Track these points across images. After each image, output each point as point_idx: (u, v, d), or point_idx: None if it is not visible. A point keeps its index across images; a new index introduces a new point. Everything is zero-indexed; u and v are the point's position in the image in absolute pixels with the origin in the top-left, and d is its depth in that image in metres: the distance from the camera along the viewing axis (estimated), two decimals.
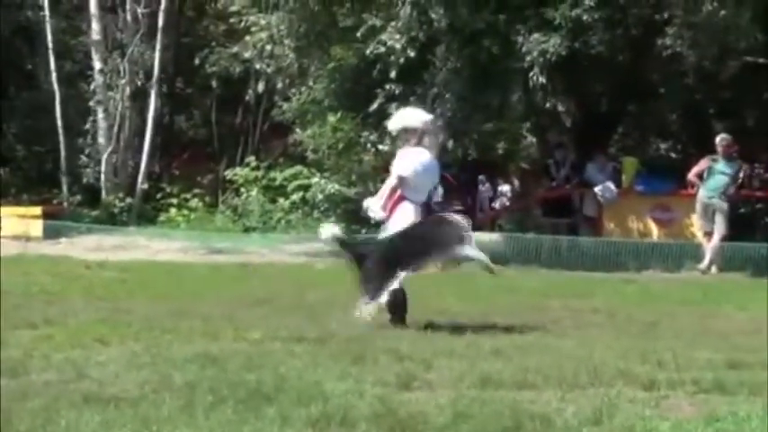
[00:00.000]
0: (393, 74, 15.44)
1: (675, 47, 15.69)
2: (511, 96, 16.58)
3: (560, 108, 18.44)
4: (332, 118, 17.34)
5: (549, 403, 4.70)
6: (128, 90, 23.23)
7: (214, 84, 26.35)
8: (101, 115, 23.19)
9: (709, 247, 14.06)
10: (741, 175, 15.19)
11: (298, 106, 18.98)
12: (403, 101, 14.57)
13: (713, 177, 14.37)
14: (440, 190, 17.91)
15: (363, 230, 17.15)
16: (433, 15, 15.27)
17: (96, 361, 5.57)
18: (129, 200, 22.32)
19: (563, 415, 4.44)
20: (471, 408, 4.48)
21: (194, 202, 21.52)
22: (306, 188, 19.43)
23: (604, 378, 5.24)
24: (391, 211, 7.74)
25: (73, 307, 8.11)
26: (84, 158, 23.47)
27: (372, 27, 15.87)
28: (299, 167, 20.43)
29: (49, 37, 23.50)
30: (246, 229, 19.74)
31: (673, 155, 21.23)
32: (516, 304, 9.22)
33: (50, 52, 23.53)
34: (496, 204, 19.91)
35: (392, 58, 15.43)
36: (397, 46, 15.36)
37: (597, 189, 16.26)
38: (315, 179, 18.86)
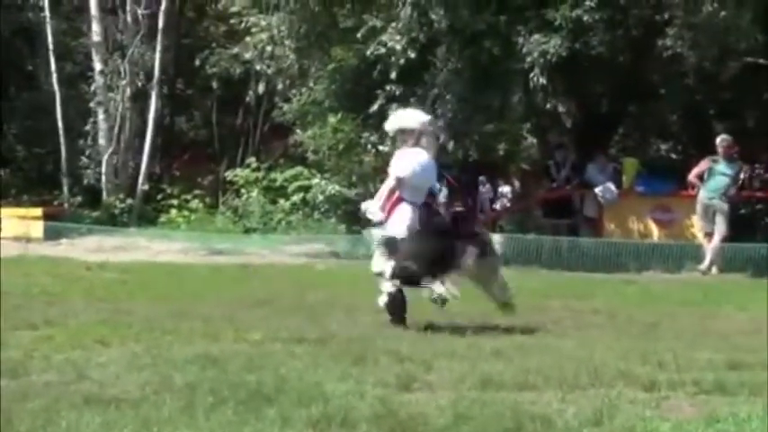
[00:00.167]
0: (393, 75, 15.45)
1: (676, 48, 15.69)
2: (511, 97, 16.58)
3: (561, 109, 18.44)
4: (332, 119, 17.34)
5: (549, 404, 4.70)
6: (128, 91, 23.22)
7: (214, 85, 26.32)
8: (101, 116, 23.18)
9: (710, 247, 14.06)
10: (741, 175, 15.20)
11: (298, 107, 18.99)
12: (403, 102, 14.59)
13: (714, 178, 14.37)
14: (444, 191, 18.03)
15: (364, 231, 17.17)
16: (434, 16, 15.28)
17: (97, 362, 5.57)
18: (129, 201, 22.31)
19: (564, 416, 4.44)
20: (472, 409, 4.48)
21: (195, 203, 21.52)
22: (306, 189, 19.43)
23: (605, 379, 5.24)
24: (390, 212, 7.75)
25: (73, 308, 8.11)
26: (84, 159, 23.46)
27: (373, 28, 15.88)
28: (299, 168, 20.43)
29: (50, 38, 23.50)
30: (247, 230, 19.73)
31: (673, 156, 21.20)
32: (517, 305, 9.21)
33: (51, 53, 23.53)
34: (497, 205, 19.90)
35: (393, 59, 15.44)
36: (398, 47, 15.37)
37: (598, 190, 16.25)
38: (315, 180, 18.86)
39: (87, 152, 23.44)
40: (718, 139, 14.61)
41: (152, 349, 6.01)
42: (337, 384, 4.95)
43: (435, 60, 15.63)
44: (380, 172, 14.90)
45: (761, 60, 16.32)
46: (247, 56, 19.68)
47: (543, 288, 11.06)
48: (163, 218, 21.47)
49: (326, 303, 9.06)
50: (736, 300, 10.27)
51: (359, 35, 16.05)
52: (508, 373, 5.36)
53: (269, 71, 19.09)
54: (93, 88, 23.38)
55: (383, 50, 15.52)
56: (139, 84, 23.70)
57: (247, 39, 19.02)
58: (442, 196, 17.96)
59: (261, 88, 21.77)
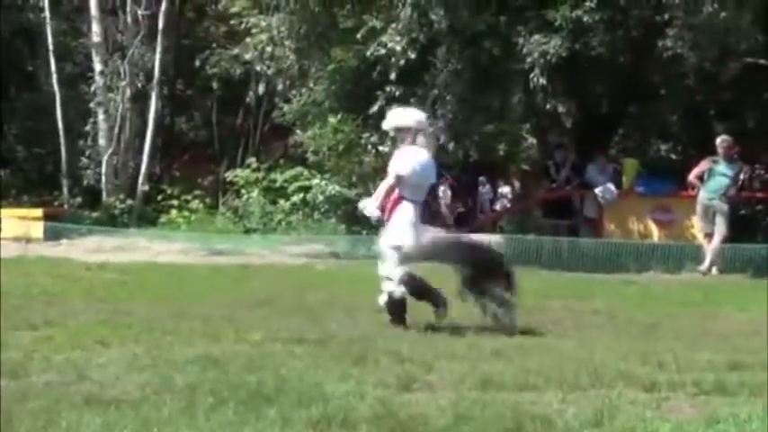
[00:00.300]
0: (393, 75, 15.45)
1: (676, 48, 15.68)
2: (511, 98, 16.58)
3: (561, 109, 18.44)
4: (332, 119, 17.34)
5: (549, 405, 4.70)
6: (128, 92, 23.23)
7: (215, 85, 26.35)
8: (101, 117, 23.20)
9: (710, 248, 14.05)
10: (742, 176, 15.18)
11: (298, 108, 18.99)
12: (403, 102, 14.55)
13: (714, 179, 14.36)
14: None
15: (364, 232, 17.18)
16: (434, 17, 15.27)
17: (97, 362, 5.56)
18: (129, 201, 22.32)
19: (564, 416, 4.44)
20: (472, 409, 4.48)
21: (195, 204, 21.54)
22: (306, 189, 19.43)
23: (605, 379, 5.24)
24: (390, 211, 7.75)
25: (73, 308, 8.11)
26: (84, 160, 23.47)
27: (373, 29, 15.89)
28: (299, 169, 20.44)
29: (50, 39, 23.51)
30: (247, 231, 19.74)
31: (673, 156, 21.22)
32: (517, 305, 9.21)
33: (51, 54, 23.54)
34: (497, 206, 19.89)
35: (392, 59, 15.44)
36: (398, 48, 15.38)
37: (598, 190, 16.25)
38: (315, 180, 18.86)
39: (87, 153, 23.45)
40: (718, 140, 14.60)
41: (152, 350, 6.00)
42: (337, 385, 4.95)
43: (435, 61, 15.63)
44: (380, 172, 14.88)
45: (761, 61, 16.32)
46: (247, 56, 19.68)
47: (543, 288, 11.03)
48: (163, 218, 21.49)
49: (327, 304, 9.06)
50: (736, 300, 10.26)
51: (359, 36, 16.06)
52: (508, 373, 5.36)
53: (269, 72, 19.09)
54: (93, 89, 23.39)
55: (383, 51, 15.52)
56: (139, 84, 23.72)
57: (247, 39, 19.03)
58: (446, 196, 18.02)
59: (261, 89, 21.77)
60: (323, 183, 18.38)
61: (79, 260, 13.72)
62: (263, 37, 17.73)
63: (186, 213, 21.28)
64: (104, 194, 22.61)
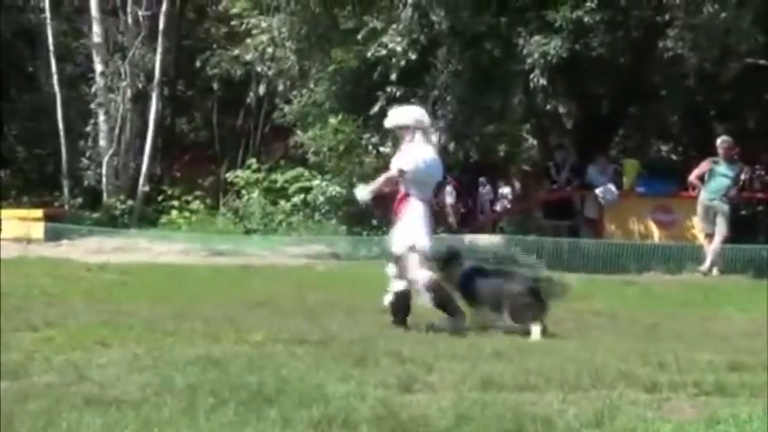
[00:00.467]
0: (394, 76, 15.47)
1: (676, 49, 15.69)
2: (512, 99, 16.60)
3: (561, 110, 18.47)
4: (333, 120, 17.36)
5: (550, 405, 4.69)
6: (129, 92, 23.25)
7: (215, 86, 26.36)
8: (102, 118, 23.21)
9: (711, 249, 14.05)
10: (742, 177, 15.18)
11: (299, 108, 19.01)
12: (404, 103, 14.56)
13: (714, 179, 14.35)
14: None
15: (365, 232, 17.20)
16: (434, 18, 15.28)
17: (97, 363, 5.56)
18: (130, 202, 22.34)
19: (564, 417, 4.43)
20: (473, 410, 4.47)
21: (195, 205, 21.56)
22: (307, 190, 19.45)
23: (606, 380, 5.23)
24: (398, 210, 7.69)
25: (74, 309, 8.11)
26: (85, 161, 23.49)
27: (373, 29, 15.90)
28: (300, 169, 20.45)
29: (51, 39, 23.53)
30: (248, 232, 19.76)
31: (674, 157, 21.24)
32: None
33: (51, 55, 23.56)
34: (497, 206, 19.91)
35: (393, 60, 15.45)
36: (398, 48, 15.39)
37: (598, 191, 16.26)
38: (316, 181, 18.88)
39: (88, 153, 23.47)
40: (718, 141, 14.59)
41: (153, 350, 6.00)
42: (338, 385, 4.94)
43: (436, 62, 15.64)
44: (381, 173, 14.91)
45: (761, 61, 16.33)
46: (248, 57, 19.71)
47: None
48: (163, 219, 21.51)
49: (327, 304, 9.06)
50: (736, 301, 10.26)
51: (359, 37, 16.07)
52: (509, 374, 5.35)
53: (269, 72, 19.11)
54: (93, 89, 23.41)
55: (384, 52, 15.53)
56: (140, 85, 23.74)
57: (248, 40, 19.06)
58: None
59: (261, 89, 21.81)
60: (323, 183, 18.40)
61: (80, 261, 13.72)
62: (264, 38, 17.75)
63: (187, 214, 21.30)
64: (105, 195, 22.63)
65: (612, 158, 18.61)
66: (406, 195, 7.67)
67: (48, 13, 23.57)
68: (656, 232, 16.21)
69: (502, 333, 7.29)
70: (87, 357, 5.76)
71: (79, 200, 23.06)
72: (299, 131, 20.15)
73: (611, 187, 16.28)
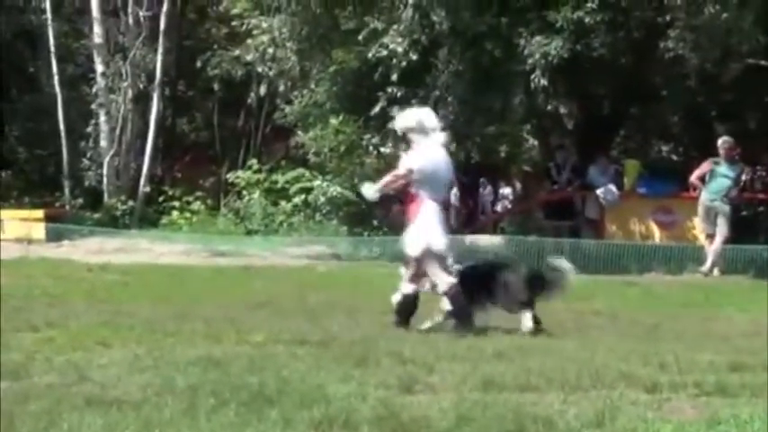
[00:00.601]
0: (395, 77, 15.46)
1: (677, 49, 15.68)
2: (513, 99, 16.59)
3: (562, 111, 18.46)
4: (334, 121, 17.36)
5: (551, 406, 4.69)
6: (130, 93, 23.26)
7: (216, 87, 26.37)
8: (103, 118, 23.22)
9: (712, 249, 14.05)
10: (743, 177, 15.19)
11: (300, 109, 19.01)
12: (405, 104, 14.58)
13: (715, 180, 14.34)
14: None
15: (366, 233, 17.20)
16: (435, 18, 15.28)
17: (98, 364, 5.56)
18: (131, 203, 22.35)
19: (565, 417, 4.43)
20: (474, 411, 4.47)
21: (196, 205, 21.56)
22: (308, 191, 19.44)
23: (606, 380, 5.23)
24: (410, 210, 7.65)
25: (75, 310, 8.11)
26: (86, 161, 23.50)
27: (374, 30, 15.89)
28: (300, 170, 20.45)
29: (51, 40, 23.55)
30: (248, 232, 19.76)
31: (674, 157, 21.23)
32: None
33: (52, 55, 23.58)
34: (498, 207, 19.92)
35: (394, 61, 15.45)
36: (399, 49, 15.38)
37: (599, 191, 16.26)
38: (317, 182, 18.87)
39: (89, 154, 23.48)
40: (719, 141, 14.59)
41: (154, 351, 6.00)
42: (339, 386, 4.95)
43: (437, 62, 15.63)
44: (382, 173, 14.91)
45: (762, 62, 16.32)
46: (249, 58, 19.71)
47: None
48: (164, 219, 21.52)
49: (328, 305, 9.06)
50: (737, 301, 10.26)
51: (360, 37, 16.06)
52: (510, 374, 5.36)
53: (270, 73, 19.12)
54: (94, 90, 23.43)
55: (385, 52, 15.52)
56: (141, 86, 23.75)
57: (249, 41, 19.05)
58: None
59: (262, 90, 21.84)
60: (324, 184, 18.39)
61: (81, 261, 13.73)
62: (265, 38, 17.75)
63: (188, 215, 21.31)
64: (106, 196, 22.64)
65: (613, 159, 18.60)
66: (418, 196, 7.62)
67: (49, 14, 23.58)
68: (656, 233, 16.20)
69: (501, 333, 7.30)
70: (88, 358, 5.77)
71: (80, 200, 23.08)
72: (299, 132, 20.15)
73: (612, 188, 16.27)
